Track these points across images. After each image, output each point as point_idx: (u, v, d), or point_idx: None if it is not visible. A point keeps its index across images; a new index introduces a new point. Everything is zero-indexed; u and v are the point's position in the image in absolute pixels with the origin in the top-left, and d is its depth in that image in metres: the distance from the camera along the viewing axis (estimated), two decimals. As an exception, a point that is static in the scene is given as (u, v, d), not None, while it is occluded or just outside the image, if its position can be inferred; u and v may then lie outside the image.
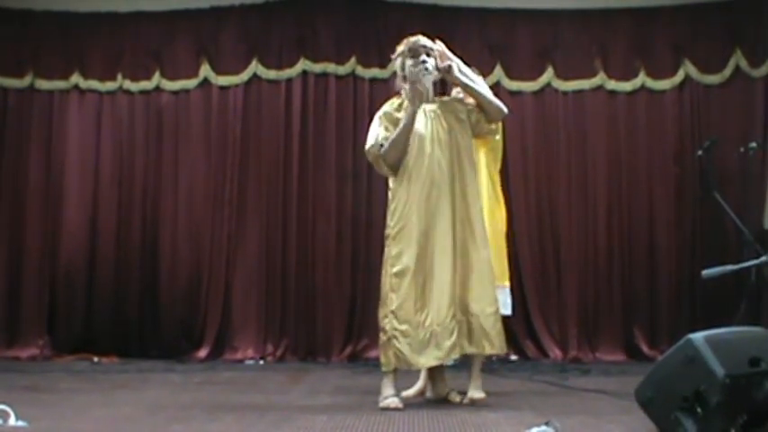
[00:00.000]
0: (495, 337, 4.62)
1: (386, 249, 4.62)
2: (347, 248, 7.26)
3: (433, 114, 4.68)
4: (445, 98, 4.88)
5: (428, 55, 4.66)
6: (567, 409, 4.40)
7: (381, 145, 4.60)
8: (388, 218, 4.64)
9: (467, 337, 4.58)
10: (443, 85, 5.50)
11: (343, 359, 7.04)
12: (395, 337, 4.48)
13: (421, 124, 4.63)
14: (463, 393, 4.72)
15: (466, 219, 4.61)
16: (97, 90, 7.49)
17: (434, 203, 4.57)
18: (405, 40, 4.72)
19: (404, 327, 4.48)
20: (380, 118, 4.68)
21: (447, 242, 4.55)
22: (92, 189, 7.41)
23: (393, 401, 4.47)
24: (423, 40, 4.69)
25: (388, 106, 4.73)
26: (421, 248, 4.53)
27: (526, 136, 7.38)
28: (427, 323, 4.50)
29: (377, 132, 4.65)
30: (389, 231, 4.61)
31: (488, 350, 4.64)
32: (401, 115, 4.62)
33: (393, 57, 4.77)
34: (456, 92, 5.02)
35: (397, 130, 4.56)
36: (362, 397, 4.81)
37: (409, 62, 4.67)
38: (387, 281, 4.57)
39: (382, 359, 4.56)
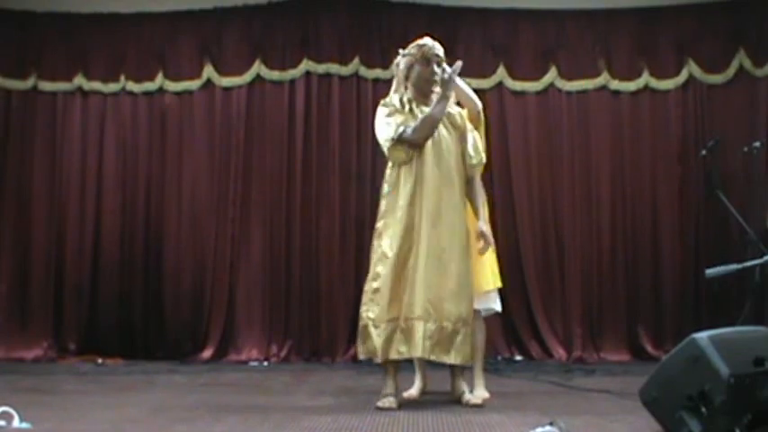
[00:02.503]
0: (469, 348, 4.63)
1: (374, 242, 4.70)
2: (351, 249, 7.26)
3: None
4: (453, 110, 4.80)
5: (438, 64, 4.68)
6: (571, 410, 4.41)
7: (404, 130, 4.59)
8: (379, 213, 4.72)
9: (440, 343, 4.55)
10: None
11: (347, 360, 7.03)
12: (366, 325, 4.58)
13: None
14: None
15: (449, 224, 4.63)
16: (100, 91, 7.49)
17: (423, 204, 4.60)
18: (417, 44, 4.72)
19: (375, 316, 4.54)
20: (388, 107, 4.68)
21: (432, 243, 4.57)
22: (96, 190, 7.41)
23: (387, 401, 4.50)
24: (436, 48, 4.69)
25: (395, 102, 4.72)
26: (404, 246, 4.57)
27: (529, 136, 7.38)
28: (397, 316, 4.53)
29: (392, 120, 4.64)
30: (378, 225, 4.70)
31: (457, 360, 4.61)
32: (405, 112, 4.65)
33: (401, 54, 4.76)
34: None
35: (432, 111, 4.57)
36: (367, 398, 4.80)
37: (418, 67, 4.69)
38: (370, 271, 4.67)
39: (358, 347, 4.67)
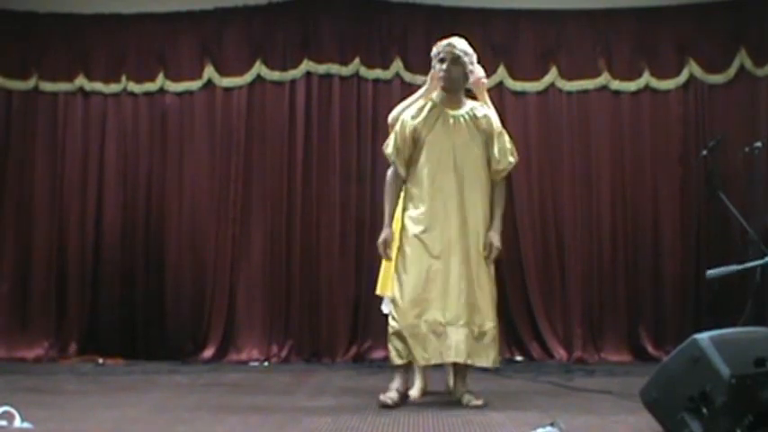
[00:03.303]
0: (495, 350, 4.66)
1: (401, 248, 4.69)
2: (351, 249, 7.26)
3: (452, 120, 4.68)
4: (479, 112, 4.79)
5: (455, 62, 4.66)
6: (572, 410, 4.40)
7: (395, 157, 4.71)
8: (405, 218, 4.71)
9: (473, 347, 4.58)
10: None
11: (347, 360, 7.04)
12: (393, 332, 4.59)
13: (441, 130, 4.66)
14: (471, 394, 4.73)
15: (475, 230, 4.63)
16: (101, 92, 7.49)
17: (445, 209, 4.62)
18: (438, 43, 4.74)
19: (402, 321, 4.56)
20: (397, 128, 4.73)
21: (461, 249, 4.58)
22: (97, 191, 7.41)
23: (388, 396, 4.54)
24: (452, 45, 4.68)
25: (410, 112, 4.75)
26: (430, 252, 4.57)
27: (530, 136, 7.38)
28: (428, 321, 4.54)
29: (393, 139, 4.73)
30: (405, 230, 4.68)
31: (486, 362, 4.65)
32: (419, 122, 4.67)
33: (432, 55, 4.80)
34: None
35: (385, 213, 4.70)
36: (367, 398, 4.80)
37: (437, 65, 4.71)
38: (396, 276, 4.66)
39: (389, 352, 4.68)
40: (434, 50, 4.73)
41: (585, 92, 7.40)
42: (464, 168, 4.64)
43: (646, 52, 7.37)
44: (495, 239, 4.66)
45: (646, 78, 7.34)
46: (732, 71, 7.28)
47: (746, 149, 6.44)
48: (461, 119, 4.70)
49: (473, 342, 4.56)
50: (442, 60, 4.67)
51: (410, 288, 4.57)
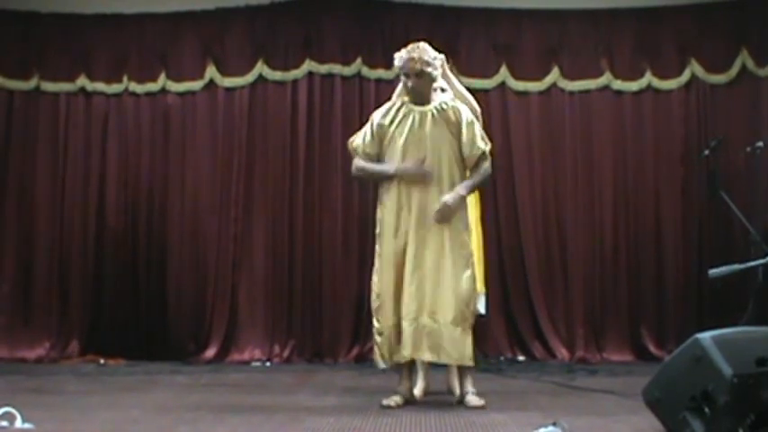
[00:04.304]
0: (463, 348, 4.60)
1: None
2: (354, 249, 7.25)
3: (419, 116, 4.69)
4: (447, 105, 4.77)
5: (419, 76, 4.62)
6: (574, 410, 4.41)
7: (361, 151, 4.78)
8: (377, 218, 4.80)
9: (433, 344, 4.58)
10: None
11: (349, 360, 7.04)
12: (375, 334, 4.72)
13: (407, 127, 4.68)
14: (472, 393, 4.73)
15: (438, 224, 4.62)
16: (103, 92, 7.48)
17: (409, 203, 4.64)
18: (398, 55, 4.73)
19: (378, 324, 4.68)
20: (370, 124, 4.79)
21: (419, 245, 4.62)
22: (98, 191, 7.40)
23: (392, 399, 4.57)
24: (414, 58, 4.64)
25: (381, 111, 4.81)
26: (396, 251, 4.64)
27: (532, 136, 7.37)
28: (397, 322, 4.62)
29: (362, 135, 4.79)
30: (376, 232, 4.79)
31: (449, 360, 4.65)
32: (387, 121, 4.72)
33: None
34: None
35: (376, 170, 4.78)
36: (369, 398, 4.81)
37: (402, 78, 4.74)
38: (373, 278, 4.77)
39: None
40: (397, 62, 4.71)
41: (587, 92, 7.39)
42: (432, 163, 4.65)
43: (648, 52, 7.37)
44: (449, 196, 4.60)
45: (648, 78, 7.34)
46: (734, 71, 7.28)
47: (748, 149, 6.44)
48: (429, 114, 4.71)
49: (433, 338, 4.56)
50: (406, 75, 4.68)
51: (385, 290, 4.67)
